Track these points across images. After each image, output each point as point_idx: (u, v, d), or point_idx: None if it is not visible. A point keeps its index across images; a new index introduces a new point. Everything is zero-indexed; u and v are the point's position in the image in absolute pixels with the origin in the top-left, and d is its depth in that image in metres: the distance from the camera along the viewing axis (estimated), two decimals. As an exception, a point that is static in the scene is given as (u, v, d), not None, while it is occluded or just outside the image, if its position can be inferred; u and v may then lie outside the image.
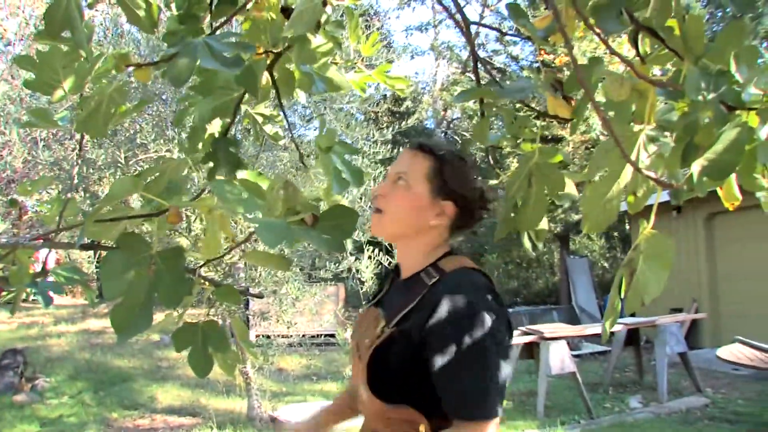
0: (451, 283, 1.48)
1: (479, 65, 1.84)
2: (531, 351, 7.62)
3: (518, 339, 7.61)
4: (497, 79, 1.81)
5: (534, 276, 19.90)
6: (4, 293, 2.89)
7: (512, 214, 1.69)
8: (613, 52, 1.39)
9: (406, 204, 1.59)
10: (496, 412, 1.37)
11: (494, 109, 1.81)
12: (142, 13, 1.72)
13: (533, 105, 1.87)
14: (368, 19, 10.52)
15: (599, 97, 1.61)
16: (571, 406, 7.47)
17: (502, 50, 17.64)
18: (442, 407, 1.41)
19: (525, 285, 19.38)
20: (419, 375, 1.43)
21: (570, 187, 1.63)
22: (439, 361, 1.38)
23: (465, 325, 1.39)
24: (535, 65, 15.96)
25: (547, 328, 7.71)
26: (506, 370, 1.41)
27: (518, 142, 1.80)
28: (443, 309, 1.41)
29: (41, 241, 2.05)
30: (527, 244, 1.75)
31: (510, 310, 8.49)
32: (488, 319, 1.40)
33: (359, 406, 1.59)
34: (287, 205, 1.56)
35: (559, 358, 7.21)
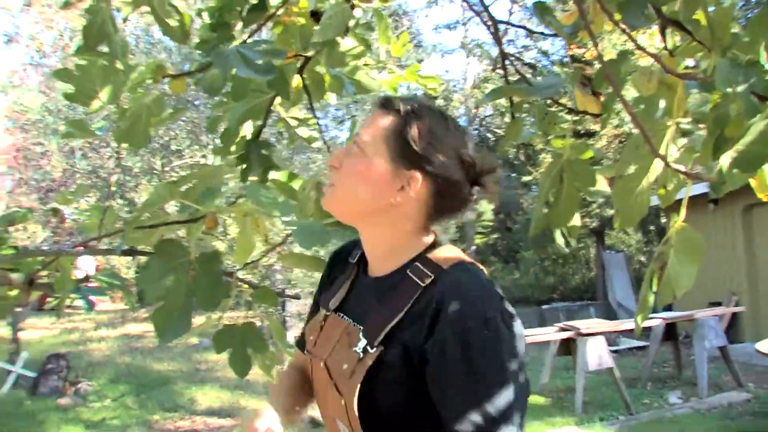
0: (453, 286, 1.14)
1: (507, 63, 1.85)
2: (568, 347, 7.56)
3: (555, 335, 7.56)
4: (527, 76, 1.82)
5: (570, 272, 19.74)
6: (49, 300, 2.97)
7: (545, 211, 1.69)
8: (639, 48, 1.40)
9: (357, 175, 1.21)
10: None
11: (525, 105, 1.81)
12: (174, 23, 1.75)
13: (564, 101, 1.88)
14: (397, 18, 10.54)
15: (628, 92, 1.61)
16: (610, 402, 7.40)
17: (532, 45, 17.56)
18: None
19: (561, 281, 19.23)
20: (418, 404, 1.13)
21: (602, 183, 1.63)
22: (450, 391, 1.08)
23: (480, 344, 1.07)
24: (566, 59, 15.84)
25: (584, 324, 7.66)
26: (525, 386, 1.11)
27: (549, 138, 1.81)
28: (450, 322, 1.08)
29: (83, 248, 2.10)
30: (560, 240, 1.76)
31: (546, 306, 8.46)
32: (505, 332, 1.09)
33: None
34: (318, 206, 1.59)
35: (596, 354, 7.15)
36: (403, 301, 1.15)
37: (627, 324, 7.95)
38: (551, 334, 7.68)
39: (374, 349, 1.13)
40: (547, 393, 8.00)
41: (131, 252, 1.76)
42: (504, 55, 1.87)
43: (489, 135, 20.65)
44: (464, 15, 18.07)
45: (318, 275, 1.49)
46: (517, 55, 17.78)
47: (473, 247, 17.80)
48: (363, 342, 1.15)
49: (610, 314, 13.41)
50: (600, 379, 8.41)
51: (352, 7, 1.84)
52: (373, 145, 1.20)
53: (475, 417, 1.03)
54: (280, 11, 1.92)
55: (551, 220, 1.70)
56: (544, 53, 17.32)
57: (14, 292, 2.46)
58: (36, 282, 2.23)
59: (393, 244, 1.24)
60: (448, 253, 1.22)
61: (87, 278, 2.25)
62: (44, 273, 2.37)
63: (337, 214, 1.29)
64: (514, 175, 20.53)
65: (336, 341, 1.23)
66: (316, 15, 1.95)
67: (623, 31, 1.40)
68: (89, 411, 7.91)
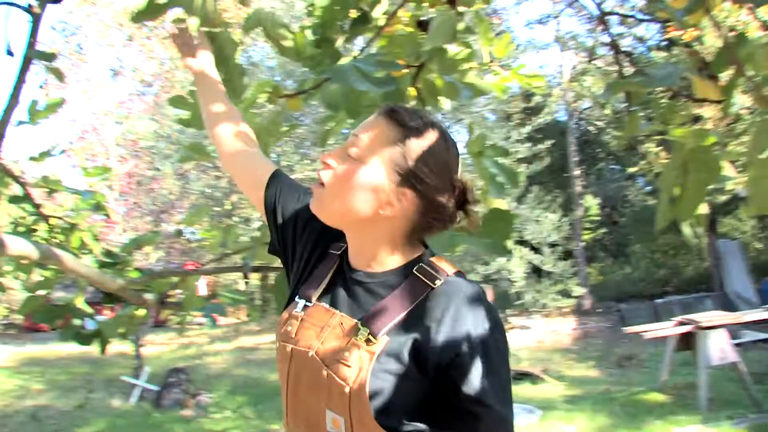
0: (465, 290, 1.19)
1: (604, 53, 1.80)
2: (687, 342, 7.27)
3: (673, 330, 7.29)
4: (624, 65, 1.77)
5: (683, 263, 19.01)
6: (171, 317, 3.10)
7: (671, 203, 1.64)
8: (766, 26, 1.34)
9: (351, 181, 1.21)
10: None
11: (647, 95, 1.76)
12: (288, 43, 1.79)
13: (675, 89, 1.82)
14: (488, 16, 10.48)
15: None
16: (736, 399, 7.05)
17: (626, 32, 17.05)
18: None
19: (674, 273, 18.55)
20: (418, 396, 1.18)
21: (728, 169, 1.57)
22: (468, 384, 1.13)
23: (501, 345, 1.19)
24: (663, 44, 15.29)
25: (704, 317, 7.35)
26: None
27: (669, 128, 1.75)
28: (474, 324, 1.15)
29: (200, 267, 2.18)
30: (687, 231, 1.70)
31: (660, 300, 8.20)
32: (506, 337, 1.22)
33: None
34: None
35: (718, 348, 6.85)
36: (410, 297, 1.18)
37: (750, 315, 7.57)
38: (669, 329, 7.42)
39: (378, 339, 1.15)
40: (667, 391, 7.71)
41: (260, 269, 1.81)
42: (617, 49, 1.82)
43: (590, 128, 20.18)
44: (555, 8, 17.79)
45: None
46: (613, 43, 17.27)
47: (581, 244, 17.40)
48: (365, 332, 1.16)
49: (728, 306, 12.82)
50: (723, 374, 8.04)
51: (458, 13, 1.84)
52: (371, 154, 1.21)
53: (495, 396, 1.14)
54: (385, 24, 1.94)
55: (679, 211, 1.64)
56: (640, 39, 16.78)
57: (142, 312, 2.59)
58: (166, 301, 2.33)
59: (380, 249, 1.25)
60: (445, 261, 1.25)
61: (214, 295, 2.34)
62: (172, 292, 2.48)
63: (322, 217, 1.28)
64: (618, 167, 20.01)
65: (327, 332, 1.21)
66: (421, 24, 1.96)
67: (748, 9, 1.34)
68: (211, 422, 8.19)
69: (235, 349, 14.11)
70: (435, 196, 1.22)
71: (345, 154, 1.24)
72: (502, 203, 1.68)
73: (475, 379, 1.13)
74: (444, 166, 1.22)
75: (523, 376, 9.31)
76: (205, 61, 1.70)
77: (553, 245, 6.91)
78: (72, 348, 13.72)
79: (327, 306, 1.26)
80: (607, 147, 19.44)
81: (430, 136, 1.22)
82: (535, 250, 6.57)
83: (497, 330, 1.17)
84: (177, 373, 9.49)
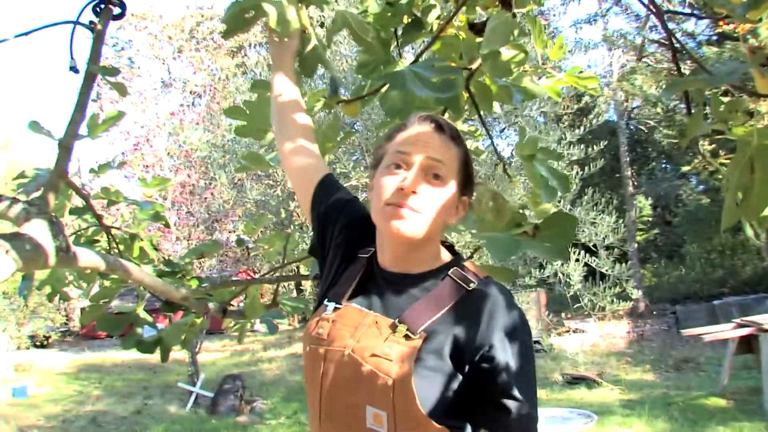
0: (498, 293, 1.25)
1: (653, 50, 1.77)
2: (749, 345, 7.09)
3: (733, 333, 7.12)
4: (704, 66, 1.73)
5: (740, 263, 18.52)
6: (232, 325, 3.15)
7: (737, 204, 1.61)
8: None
9: (439, 203, 1.28)
10: None
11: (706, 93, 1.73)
12: (371, 38, 1.80)
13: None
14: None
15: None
16: (803, 403, 6.84)
17: (676, 29, 16.74)
18: (476, 427, 1.24)
19: (731, 273, 18.08)
20: (453, 391, 1.21)
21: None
22: (510, 384, 1.18)
23: (527, 345, 1.25)
24: (714, 39, 15.00)
25: (765, 319, 7.16)
26: None
27: (730, 126, 1.71)
28: (505, 324, 1.21)
29: (254, 275, 2.21)
30: (749, 232, 1.66)
31: (717, 301, 8.02)
32: (531, 340, 1.31)
33: None
34: (497, 216, 1.58)
35: (782, 351, 6.67)
36: (446, 298, 1.24)
37: (814, 316, 7.34)
38: (729, 331, 7.25)
39: (417, 335, 1.19)
40: (728, 395, 7.54)
41: (319, 277, 1.82)
42: (674, 48, 1.79)
43: (641, 128, 19.84)
44: (602, 7, 17.54)
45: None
46: (662, 41, 17.04)
47: (635, 245, 17.11)
48: (403, 328, 1.20)
49: (790, 306, 12.47)
50: (789, 378, 7.85)
51: (514, 15, 1.83)
52: (449, 174, 1.29)
53: (524, 391, 1.18)
54: (436, 27, 1.94)
55: (745, 212, 1.60)
56: (690, 34, 16.46)
57: (200, 319, 2.63)
58: (228, 309, 2.36)
59: (429, 252, 1.32)
60: (476, 266, 1.33)
61: (276, 303, 2.36)
62: (234, 301, 2.51)
63: (415, 239, 1.27)
64: (669, 167, 19.63)
65: (361, 331, 1.24)
66: (474, 27, 1.95)
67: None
68: (266, 428, 8.28)
69: (288, 355, 14.24)
70: (471, 201, 1.38)
71: (427, 178, 1.27)
72: (551, 208, 1.66)
73: (506, 374, 1.17)
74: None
75: (579, 380, 9.19)
76: (286, 51, 1.72)
77: (609, 247, 6.82)
78: (128, 355, 14.10)
79: (359, 307, 1.29)
80: (659, 146, 19.10)
81: (466, 145, 1.36)
82: (592, 252, 6.47)
83: (526, 332, 1.25)
84: (232, 380, 9.63)
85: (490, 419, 1.22)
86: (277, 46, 1.73)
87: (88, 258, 1.46)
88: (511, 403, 1.18)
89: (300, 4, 1.72)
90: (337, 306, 1.31)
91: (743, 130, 1.66)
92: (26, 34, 1.71)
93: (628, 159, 17.95)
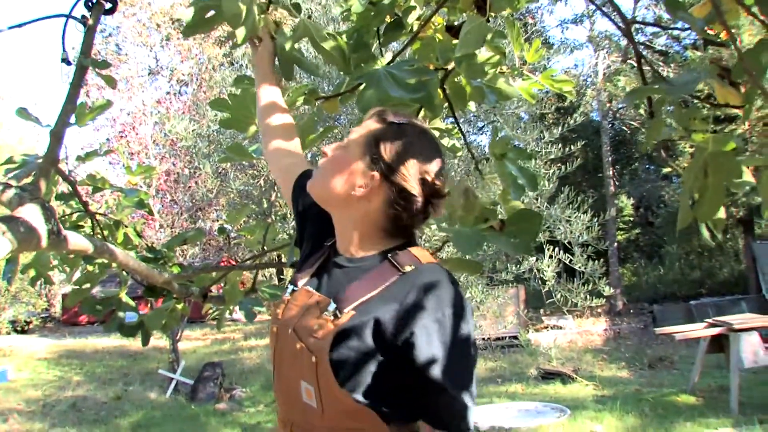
0: (432, 277, 1.26)
1: (642, 60, 1.85)
2: (720, 344, 7.24)
3: (704, 332, 7.26)
4: (659, 65, 1.82)
5: (718, 265, 18.78)
6: (212, 312, 3.21)
7: (690, 206, 1.70)
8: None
9: (334, 165, 1.38)
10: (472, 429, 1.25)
11: (666, 103, 1.81)
12: (332, 50, 1.88)
13: (704, 92, 1.86)
14: (522, 17, 10.49)
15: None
16: (769, 403, 7.00)
17: (661, 32, 16.89)
18: (398, 412, 1.26)
19: (709, 275, 18.34)
20: (382, 374, 1.24)
21: (747, 174, 1.62)
22: (432, 369, 1.19)
23: (461, 328, 1.24)
24: (699, 43, 15.13)
25: (737, 319, 7.32)
26: (474, 360, 1.29)
27: (690, 132, 1.80)
28: (433, 307, 1.22)
29: (237, 263, 2.28)
30: (706, 234, 1.75)
31: (693, 302, 8.11)
32: (471, 324, 1.28)
33: (286, 408, 1.37)
34: (468, 212, 1.67)
35: (751, 351, 6.82)
36: (380, 280, 1.27)
37: (784, 318, 7.50)
38: (700, 330, 7.39)
39: (342, 314, 1.24)
40: (698, 393, 7.70)
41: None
42: (639, 55, 1.87)
43: (624, 128, 20.00)
44: (589, 8, 17.66)
45: (465, 278, 1.55)
46: (648, 43, 17.19)
47: (615, 245, 17.27)
48: (333, 307, 1.26)
49: (764, 308, 12.65)
50: (756, 378, 8.00)
51: (488, 20, 1.91)
52: (355, 143, 1.36)
53: (448, 375, 1.18)
54: (416, 27, 2.02)
55: (697, 214, 1.69)
56: (675, 38, 16.62)
57: (181, 305, 2.70)
58: (209, 295, 2.44)
59: (360, 234, 1.37)
60: (422, 252, 1.35)
61: (255, 290, 2.44)
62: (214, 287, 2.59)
63: (314, 196, 1.43)
64: (652, 167, 19.80)
65: (305, 310, 1.32)
66: (451, 29, 2.03)
67: (761, 22, 1.40)
68: (245, 415, 8.35)
69: (268, 345, 14.27)
70: (402, 184, 1.32)
71: (339, 146, 1.41)
72: (520, 205, 1.74)
73: (429, 362, 1.18)
74: (416, 159, 1.33)
75: (554, 375, 9.33)
76: (264, 56, 1.86)
77: (584, 245, 6.94)
78: (109, 342, 14.07)
79: (309, 288, 1.37)
80: (642, 147, 19.26)
81: (407, 132, 1.36)
82: (567, 250, 6.61)
83: (458, 317, 1.23)
84: (212, 368, 9.68)
85: (420, 406, 1.25)
86: (256, 50, 1.88)
87: (77, 241, 1.54)
88: (437, 391, 1.20)
89: (268, 10, 1.82)
90: (294, 288, 1.41)
91: (701, 137, 1.76)
92: (20, 26, 1.78)
93: (610, 159, 18.11)
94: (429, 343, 1.19)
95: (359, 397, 1.23)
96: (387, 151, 1.32)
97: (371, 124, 1.37)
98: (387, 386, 1.24)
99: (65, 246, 1.46)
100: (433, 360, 1.18)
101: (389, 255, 1.32)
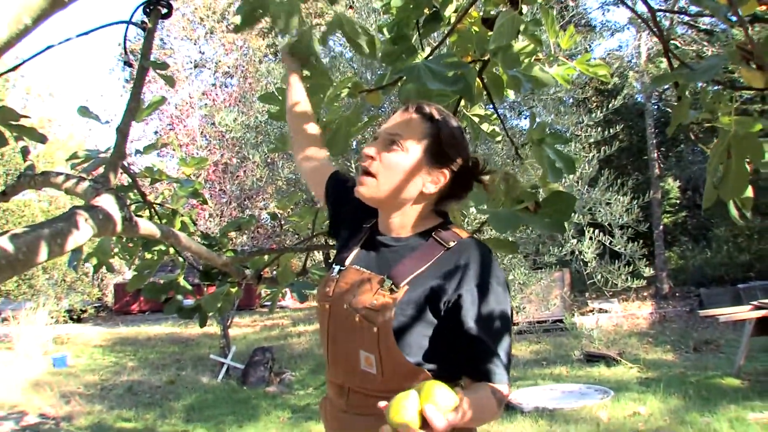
0: (474, 249, 1.45)
1: (683, 32, 1.93)
2: (766, 326, 7.18)
3: (750, 314, 7.21)
4: (705, 49, 1.90)
5: (767, 248, 18.38)
6: (263, 297, 3.37)
7: (714, 186, 1.77)
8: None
9: (401, 170, 1.49)
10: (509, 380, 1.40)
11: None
12: (363, 40, 2.00)
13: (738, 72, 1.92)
14: (562, 0, 10.43)
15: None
16: (815, 385, 6.94)
17: (701, 9, 16.48)
18: (446, 370, 1.40)
19: (758, 258, 17.94)
20: (438, 337, 1.41)
21: (772, 154, 1.69)
22: (475, 326, 1.36)
23: (499, 294, 1.41)
24: (747, 20, 14.77)
25: (783, 301, 7.25)
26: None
27: (716, 115, 1.88)
28: (477, 274, 1.40)
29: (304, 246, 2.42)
30: (734, 212, 1.82)
31: (742, 285, 8.03)
32: (506, 289, 1.45)
33: (344, 376, 1.51)
34: (509, 195, 1.78)
35: (797, 332, 6.77)
36: (429, 256, 1.45)
37: (833, 300, 7.39)
38: (746, 312, 7.35)
39: (399, 288, 1.42)
40: (743, 376, 7.65)
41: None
42: (666, 46, 1.94)
43: (669, 110, 19.68)
44: (629, -10, 17.41)
45: (508, 261, 1.68)
46: (692, 23, 16.88)
47: (660, 227, 17.08)
48: (389, 283, 1.43)
49: (815, 291, 12.44)
50: (804, 360, 7.94)
51: (520, 12, 2.00)
52: (412, 144, 1.48)
53: (490, 352, 1.36)
54: (454, 21, 2.13)
55: (723, 193, 1.77)
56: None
57: (235, 289, 2.86)
58: (263, 276, 2.59)
59: (410, 219, 1.54)
60: (460, 228, 1.53)
61: (306, 271, 2.59)
62: (268, 269, 2.74)
63: (375, 201, 1.55)
64: (699, 149, 19.45)
65: (358, 286, 1.48)
66: (487, 21, 2.13)
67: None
68: (295, 398, 8.57)
69: (316, 330, 14.49)
70: (463, 170, 1.53)
71: (386, 147, 1.51)
72: (559, 187, 1.84)
73: (472, 316, 1.36)
74: (464, 147, 1.54)
75: (599, 358, 9.34)
76: (292, 73, 2.04)
77: (623, 227, 6.95)
78: (160, 329, 14.42)
79: (358, 267, 1.53)
80: (688, 129, 18.95)
81: (450, 123, 1.53)
82: (609, 232, 6.64)
83: (494, 279, 1.42)
84: (262, 352, 9.91)
85: (463, 362, 1.39)
86: (287, 64, 2.07)
87: (147, 226, 1.70)
88: (478, 344, 1.36)
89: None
90: (341, 268, 1.57)
91: (727, 120, 1.84)
92: (86, 33, 1.94)
93: (654, 141, 17.88)
94: (473, 303, 1.37)
95: (417, 359, 1.41)
96: (445, 147, 1.50)
97: (420, 124, 1.51)
98: (438, 347, 1.41)
99: (137, 231, 1.62)
100: (475, 317, 1.36)
101: (433, 233, 1.50)
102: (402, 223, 1.54)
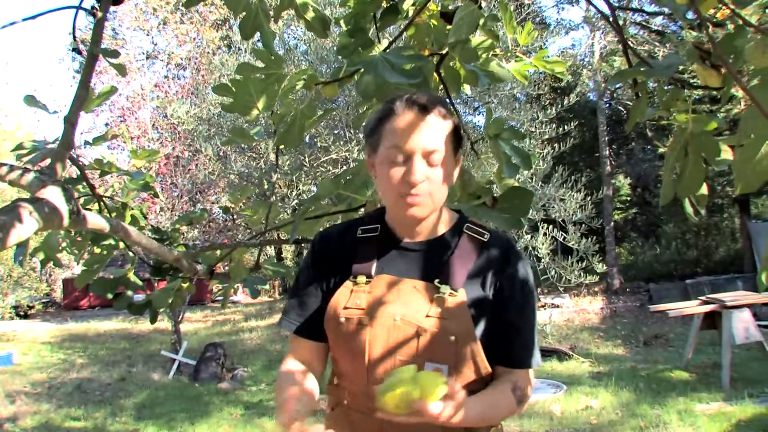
0: (507, 243, 1.49)
1: (634, 32, 1.94)
2: (713, 321, 7.36)
3: (698, 309, 7.37)
4: (656, 50, 1.91)
5: (714, 244, 18.89)
6: (215, 292, 3.31)
7: (672, 183, 1.79)
8: (747, 24, 1.48)
9: (446, 179, 1.43)
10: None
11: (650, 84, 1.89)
12: (310, 15, 1.97)
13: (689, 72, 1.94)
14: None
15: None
16: (760, 378, 7.12)
17: (658, 10, 16.83)
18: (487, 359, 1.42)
19: (705, 254, 18.45)
20: (488, 329, 1.43)
21: (727, 153, 1.70)
22: (514, 314, 1.43)
23: (531, 284, 1.49)
24: (696, 23, 15.13)
25: (729, 296, 7.42)
26: None
27: (673, 113, 1.89)
28: (515, 267, 1.46)
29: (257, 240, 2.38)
30: (689, 209, 1.84)
31: (690, 280, 8.20)
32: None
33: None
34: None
35: (743, 327, 6.93)
36: (471, 253, 1.45)
37: (775, 295, 7.60)
38: (694, 307, 7.50)
39: (458, 291, 1.39)
40: (691, 369, 7.85)
41: (301, 241, 2.00)
42: (624, 42, 1.95)
43: (621, 108, 20.04)
44: (585, -13, 17.66)
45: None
46: (644, 23, 17.19)
47: (611, 224, 17.37)
48: (446, 288, 1.39)
49: (759, 287, 12.75)
50: (748, 354, 8.14)
51: (480, 6, 1.99)
52: (445, 149, 1.40)
53: (524, 338, 1.45)
54: (412, 14, 2.11)
55: (679, 190, 1.78)
56: (672, 17, 16.58)
57: (186, 284, 2.80)
58: (215, 272, 2.54)
59: (443, 215, 1.51)
60: (477, 220, 1.56)
61: (259, 267, 2.54)
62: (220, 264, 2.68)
63: (427, 215, 1.44)
64: (649, 147, 19.83)
65: (402, 297, 1.41)
66: (445, 15, 2.12)
67: (730, 9, 1.49)
68: (247, 394, 8.48)
69: (269, 325, 14.45)
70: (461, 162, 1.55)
71: (429, 163, 1.39)
72: (515, 183, 1.84)
73: (511, 305, 1.43)
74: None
75: (551, 353, 9.45)
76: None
77: (577, 223, 7.05)
78: (111, 325, 14.18)
79: (391, 276, 1.44)
80: (639, 126, 19.32)
81: (453, 112, 1.50)
82: (562, 228, 6.73)
83: (528, 269, 1.50)
84: (214, 348, 9.80)
85: (500, 350, 1.43)
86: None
87: (95, 220, 1.64)
88: (515, 331, 1.44)
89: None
90: (368, 278, 1.45)
91: (684, 117, 1.85)
92: (33, 17, 1.86)
93: (606, 139, 18.17)
94: (513, 292, 1.44)
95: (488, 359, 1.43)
96: (461, 135, 1.49)
97: (439, 124, 1.40)
98: (488, 339, 1.42)
99: (84, 224, 1.56)
100: (515, 306, 1.44)
101: (464, 229, 1.49)
102: (434, 222, 1.49)
